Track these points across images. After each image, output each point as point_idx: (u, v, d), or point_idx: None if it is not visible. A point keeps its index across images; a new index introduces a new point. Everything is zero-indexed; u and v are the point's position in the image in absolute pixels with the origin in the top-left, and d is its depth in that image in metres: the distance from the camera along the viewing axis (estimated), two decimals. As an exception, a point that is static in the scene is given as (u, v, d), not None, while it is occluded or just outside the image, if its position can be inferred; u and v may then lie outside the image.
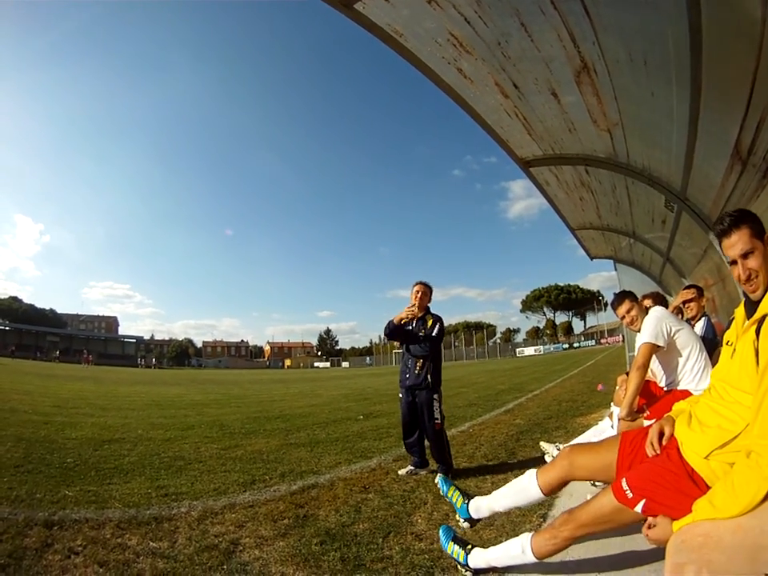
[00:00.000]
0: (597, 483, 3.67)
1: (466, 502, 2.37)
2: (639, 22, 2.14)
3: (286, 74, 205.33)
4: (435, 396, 3.99)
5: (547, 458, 3.98)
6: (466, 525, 2.34)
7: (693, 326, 3.77)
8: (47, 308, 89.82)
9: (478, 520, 2.33)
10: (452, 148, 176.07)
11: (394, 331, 4.10)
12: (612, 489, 1.86)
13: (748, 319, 1.70)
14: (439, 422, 3.97)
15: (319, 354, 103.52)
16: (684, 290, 4.08)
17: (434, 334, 4.06)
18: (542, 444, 4.14)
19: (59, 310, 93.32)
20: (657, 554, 2.03)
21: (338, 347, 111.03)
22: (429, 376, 4.00)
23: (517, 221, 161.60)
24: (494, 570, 2.15)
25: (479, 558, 2.17)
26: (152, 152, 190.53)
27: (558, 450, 3.93)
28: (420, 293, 4.19)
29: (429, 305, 4.30)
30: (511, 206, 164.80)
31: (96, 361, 56.83)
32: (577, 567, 2.24)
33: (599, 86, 2.75)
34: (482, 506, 2.32)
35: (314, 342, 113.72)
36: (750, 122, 2.12)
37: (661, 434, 1.94)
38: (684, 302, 3.99)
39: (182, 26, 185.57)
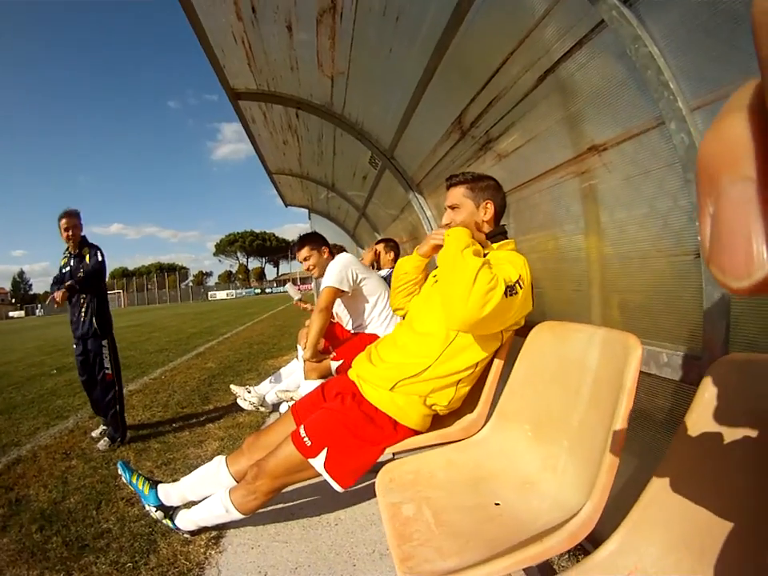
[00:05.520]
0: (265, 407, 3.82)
1: (154, 488, 2.05)
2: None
3: None
4: (104, 342, 3.37)
5: (239, 401, 3.90)
6: (159, 514, 2.03)
7: None
8: None
9: (172, 508, 2.04)
10: (173, 76, 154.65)
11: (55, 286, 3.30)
12: (291, 437, 1.74)
13: None
14: (110, 372, 3.38)
15: (13, 301, 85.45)
16: (375, 243, 4.46)
17: (92, 268, 3.29)
18: (233, 387, 4.04)
19: None
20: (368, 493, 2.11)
21: (32, 292, 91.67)
22: (94, 320, 3.33)
23: (220, 163, 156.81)
24: (206, 529, 2.04)
25: (186, 520, 1.99)
26: None
27: (249, 392, 3.90)
28: (68, 230, 3.29)
29: (83, 235, 3.41)
30: (219, 148, 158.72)
31: None
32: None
33: (339, 30, 2.59)
34: (171, 494, 2.04)
35: (8, 287, 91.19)
36: (483, 100, 2.27)
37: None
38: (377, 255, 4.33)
39: None
